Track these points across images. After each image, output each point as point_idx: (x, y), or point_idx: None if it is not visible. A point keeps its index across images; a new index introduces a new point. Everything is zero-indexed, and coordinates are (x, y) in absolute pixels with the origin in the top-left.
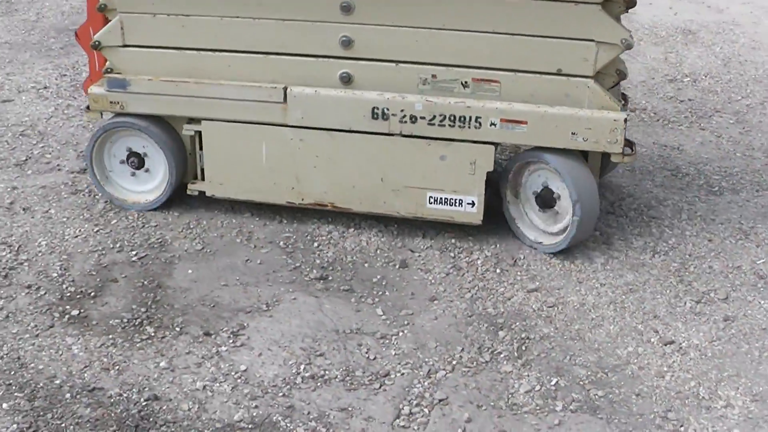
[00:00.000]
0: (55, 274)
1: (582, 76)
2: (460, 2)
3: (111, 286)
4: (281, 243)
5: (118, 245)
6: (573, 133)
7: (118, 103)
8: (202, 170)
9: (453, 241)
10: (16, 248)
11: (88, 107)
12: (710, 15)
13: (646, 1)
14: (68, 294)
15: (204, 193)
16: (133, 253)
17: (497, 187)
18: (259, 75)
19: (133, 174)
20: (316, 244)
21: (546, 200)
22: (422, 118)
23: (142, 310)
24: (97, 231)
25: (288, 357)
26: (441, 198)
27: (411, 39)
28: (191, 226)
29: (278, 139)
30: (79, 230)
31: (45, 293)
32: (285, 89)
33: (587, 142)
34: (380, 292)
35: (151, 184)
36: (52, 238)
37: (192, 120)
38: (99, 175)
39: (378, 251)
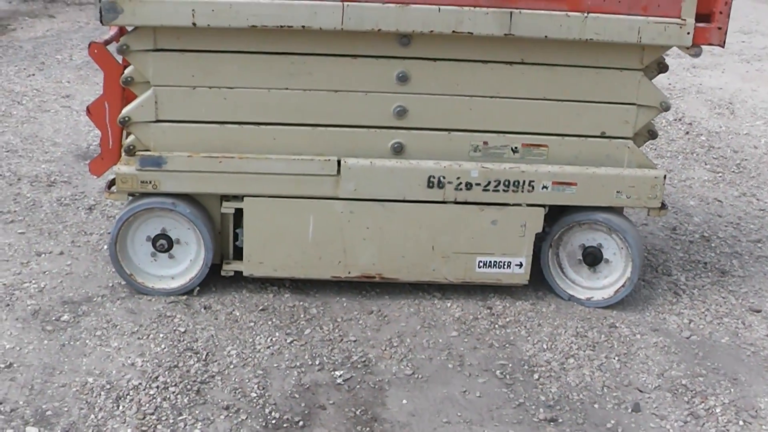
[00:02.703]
0: (254, 395)
1: (623, 138)
2: (513, 70)
3: (319, 413)
4: (498, 372)
5: (317, 362)
6: (618, 192)
7: (151, 182)
8: (236, 249)
9: (683, 381)
10: (204, 357)
11: (109, 187)
12: None
13: None
14: (273, 420)
15: (241, 273)
16: (337, 374)
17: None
18: (306, 147)
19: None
20: (536, 376)
21: (595, 258)
22: (477, 184)
23: None
24: (291, 342)
25: None
26: (490, 261)
27: (465, 107)
28: (394, 344)
29: (327, 213)
30: (271, 339)
31: (246, 418)
32: (339, 161)
33: (630, 199)
34: None
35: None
36: (243, 347)
37: (229, 197)
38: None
39: (605, 389)
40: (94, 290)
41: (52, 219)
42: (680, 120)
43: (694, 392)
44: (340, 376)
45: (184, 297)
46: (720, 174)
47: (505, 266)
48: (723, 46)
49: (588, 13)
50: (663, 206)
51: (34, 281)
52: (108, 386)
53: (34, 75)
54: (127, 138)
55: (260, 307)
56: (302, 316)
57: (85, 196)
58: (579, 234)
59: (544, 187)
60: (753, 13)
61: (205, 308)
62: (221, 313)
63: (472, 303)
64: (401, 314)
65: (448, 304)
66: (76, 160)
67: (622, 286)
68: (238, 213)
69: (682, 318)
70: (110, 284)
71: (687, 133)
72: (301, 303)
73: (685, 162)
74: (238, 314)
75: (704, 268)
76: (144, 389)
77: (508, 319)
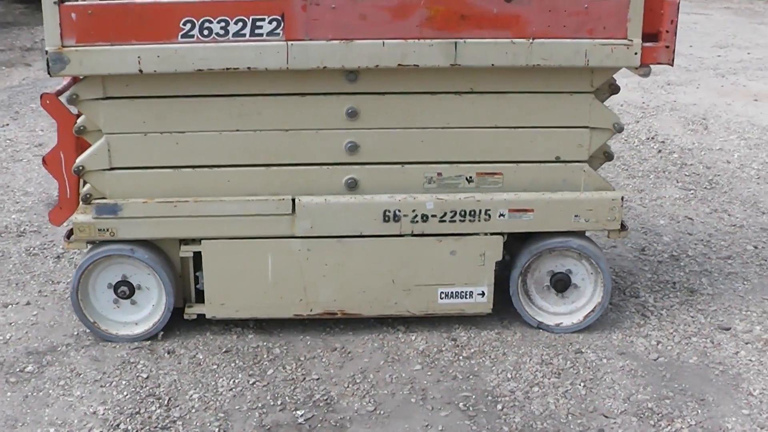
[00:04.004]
0: None
1: (578, 161)
2: (463, 100)
3: None
4: (460, 404)
5: (279, 402)
6: (575, 216)
7: (108, 230)
8: (198, 292)
9: (649, 405)
10: (166, 402)
11: (68, 236)
12: None
13: None
14: None
15: (203, 316)
16: (299, 413)
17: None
18: (261, 188)
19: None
20: (500, 407)
21: (564, 284)
22: (433, 216)
23: None
24: (253, 383)
25: None
26: (452, 292)
27: (417, 139)
28: (357, 381)
29: (285, 252)
30: (233, 381)
31: None
32: (293, 200)
33: (588, 222)
34: None
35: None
36: (205, 390)
37: (187, 241)
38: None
39: (569, 416)
40: (59, 339)
41: (21, 269)
42: (653, 138)
43: (660, 415)
44: (302, 415)
45: (148, 342)
46: (692, 191)
47: (468, 296)
48: (672, 65)
49: (533, 39)
50: (623, 227)
51: None
52: None
53: (8, 125)
54: (83, 187)
55: (223, 349)
56: (265, 356)
57: (54, 245)
58: (548, 260)
59: (501, 215)
60: (730, 27)
61: (168, 353)
62: (185, 356)
63: (436, 335)
64: (365, 350)
65: (413, 337)
66: (47, 209)
67: (592, 311)
68: (198, 256)
69: (650, 340)
70: (75, 332)
71: (659, 151)
72: (265, 343)
73: (657, 181)
74: (201, 357)
75: (673, 288)
76: None
77: (472, 350)
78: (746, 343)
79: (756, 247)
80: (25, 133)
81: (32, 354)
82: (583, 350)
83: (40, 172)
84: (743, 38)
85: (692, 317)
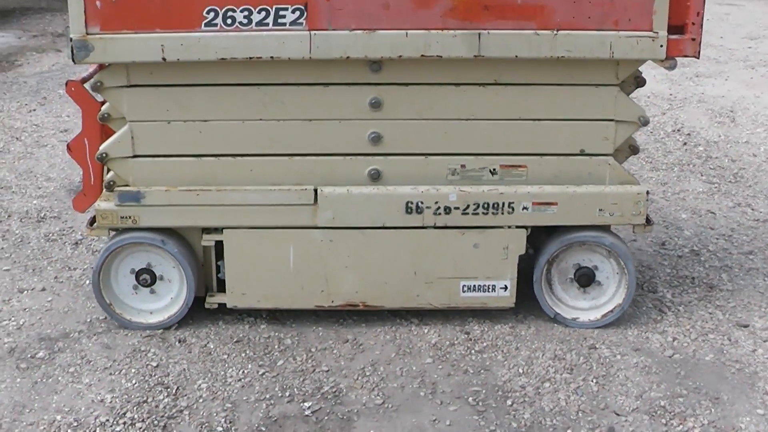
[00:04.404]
0: (220, 429)
1: (603, 155)
2: (487, 91)
3: None
4: (470, 399)
5: (287, 394)
6: (600, 210)
7: (130, 217)
8: (219, 281)
9: (662, 403)
10: (174, 391)
11: (91, 223)
12: None
13: None
14: None
15: (224, 305)
16: (306, 405)
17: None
18: (283, 177)
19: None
20: (509, 402)
21: (588, 279)
22: (456, 208)
23: None
24: (263, 374)
25: None
26: (474, 285)
27: (440, 131)
28: (367, 373)
29: (307, 242)
30: (243, 371)
31: None
32: (316, 190)
33: (613, 216)
34: None
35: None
36: (214, 380)
37: (209, 230)
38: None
39: (580, 413)
40: (72, 326)
41: (38, 255)
42: (679, 131)
43: (672, 414)
44: (309, 407)
45: (160, 331)
46: (716, 185)
47: (490, 290)
48: (698, 57)
49: (558, 30)
50: (648, 222)
51: (13, 319)
52: (75, 424)
53: (35, 110)
54: (107, 174)
55: (235, 339)
56: (276, 347)
57: (73, 231)
58: (576, 253)
59: (525, 208)
60: (763, 18)
61: (179, 341)
62: (195, 346)
63: (449, 328)
64: (377, 342)
65: (425, 330)
66: (68, 194)
67: (611, 311)
68: (219, 245)
69: (666, 336)
70: (88, 319)
71: (685, 144)
72: (277, 333)
73: (681, 174)
74: (212, 347)
75: (692, 283)
76: (111, 426)
77: (485, 344)
78: (764, 341)
79: None
80: (52, 119)
81: (44, 340)
82: (597, 346)
83: (64, 158)
84: None
85: (710, 313)
